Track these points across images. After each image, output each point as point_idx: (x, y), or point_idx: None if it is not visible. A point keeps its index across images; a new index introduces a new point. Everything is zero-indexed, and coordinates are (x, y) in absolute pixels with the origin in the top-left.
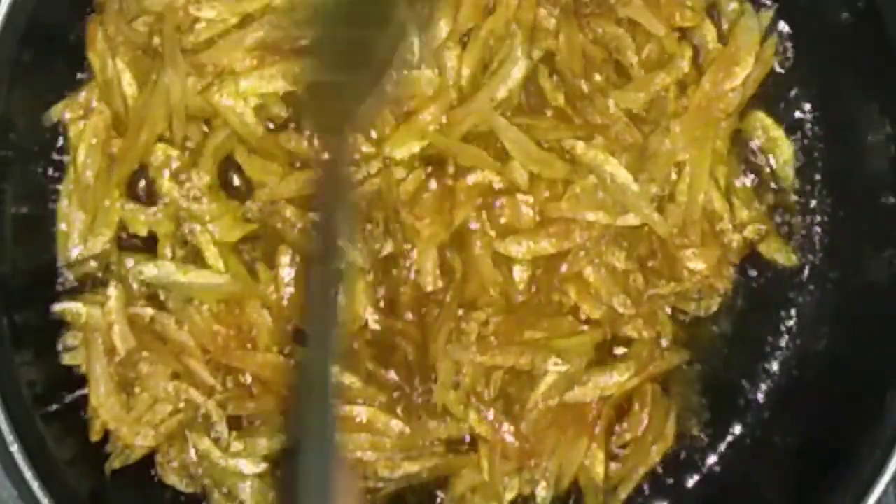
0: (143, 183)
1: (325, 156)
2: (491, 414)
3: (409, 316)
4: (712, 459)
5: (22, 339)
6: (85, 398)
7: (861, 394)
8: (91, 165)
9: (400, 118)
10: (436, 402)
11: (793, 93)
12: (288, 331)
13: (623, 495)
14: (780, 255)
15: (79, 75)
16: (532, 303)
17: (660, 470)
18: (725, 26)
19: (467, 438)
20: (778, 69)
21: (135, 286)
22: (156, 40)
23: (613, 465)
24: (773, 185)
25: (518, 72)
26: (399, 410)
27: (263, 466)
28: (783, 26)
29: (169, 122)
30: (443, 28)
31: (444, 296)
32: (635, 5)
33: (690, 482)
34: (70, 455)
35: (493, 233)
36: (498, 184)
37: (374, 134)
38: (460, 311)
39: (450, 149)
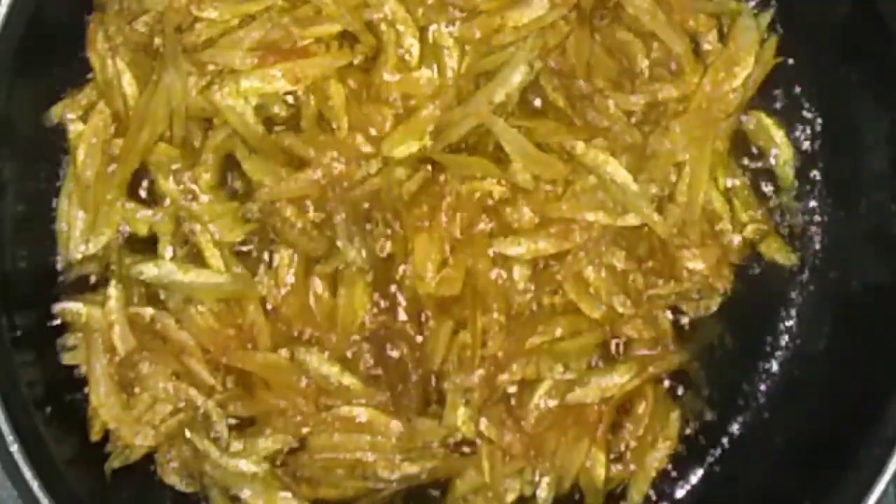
0: (143, 183)
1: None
2: (492, 415)
3: (408, 317)
4: (712, 459)
5: (22, 339)
6: (85, 398)
7: (861, 394)
8: (91, 165)
9: (399, 118)
10: (437, 409)
11: (793, 93)
12: (288, 331)
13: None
14: (780, 255)
15: (79, 75)
16: (531, 306)
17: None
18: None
19: (469, 440)
20: (778, 69)
21: (135, 286)
22: (156, 40)
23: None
24: (773, 185)
25: (517, 77)
26: (399, 411)
27: (263, 466)
28: (783, 27)
29: (169, 122)
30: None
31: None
32: (659, 20)
33: (691, 482)
34: (70, 455)
35: (493, 233)
36: (499, 193)
37: (373, 133)
38: (459, 320)
39: (451, 163)
